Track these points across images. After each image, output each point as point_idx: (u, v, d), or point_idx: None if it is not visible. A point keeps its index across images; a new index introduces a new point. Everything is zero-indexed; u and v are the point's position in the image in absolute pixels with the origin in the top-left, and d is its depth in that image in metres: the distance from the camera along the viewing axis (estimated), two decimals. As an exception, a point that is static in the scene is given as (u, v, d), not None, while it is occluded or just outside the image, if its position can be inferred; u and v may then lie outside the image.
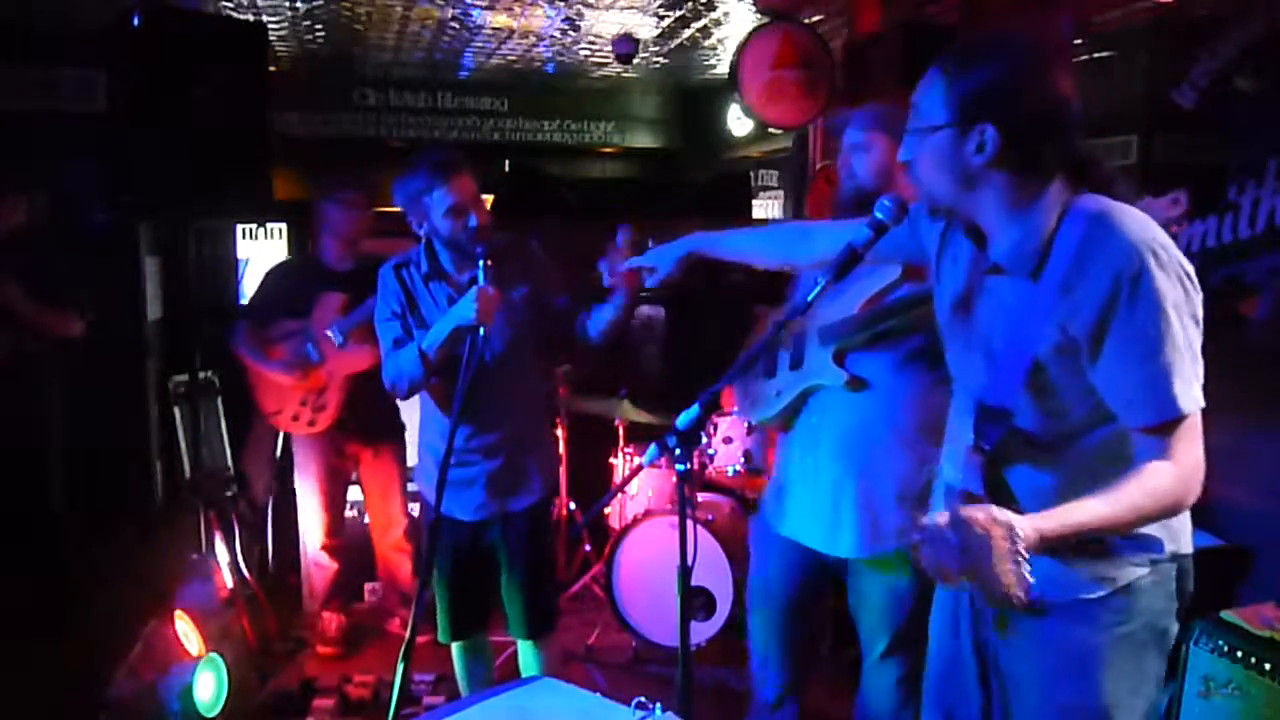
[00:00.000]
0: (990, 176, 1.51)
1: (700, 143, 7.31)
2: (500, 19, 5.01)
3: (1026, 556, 1.31)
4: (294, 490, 3.85)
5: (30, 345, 3.76)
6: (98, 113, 3.65)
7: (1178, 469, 1.44)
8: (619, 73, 6.39)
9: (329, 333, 3.52)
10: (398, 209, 2.63)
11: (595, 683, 3.56)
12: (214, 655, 3.03)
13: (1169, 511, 1.47)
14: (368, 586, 4.20)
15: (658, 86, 7.07)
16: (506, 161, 7.12)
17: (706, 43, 5.53)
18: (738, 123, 5.94)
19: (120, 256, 4.71)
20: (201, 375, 4.09)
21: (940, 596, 1.85)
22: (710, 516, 3.71)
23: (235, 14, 4.69)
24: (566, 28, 5.14)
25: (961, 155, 1.51)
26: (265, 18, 4.83)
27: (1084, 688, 1.58)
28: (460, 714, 1.83)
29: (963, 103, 1.48)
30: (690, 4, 4.70)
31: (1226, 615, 2.33)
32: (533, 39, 5.47)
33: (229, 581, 3.53)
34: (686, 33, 5.28)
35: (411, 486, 3.88)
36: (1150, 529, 1.54)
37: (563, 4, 4.71)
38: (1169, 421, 1.44)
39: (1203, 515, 1.64)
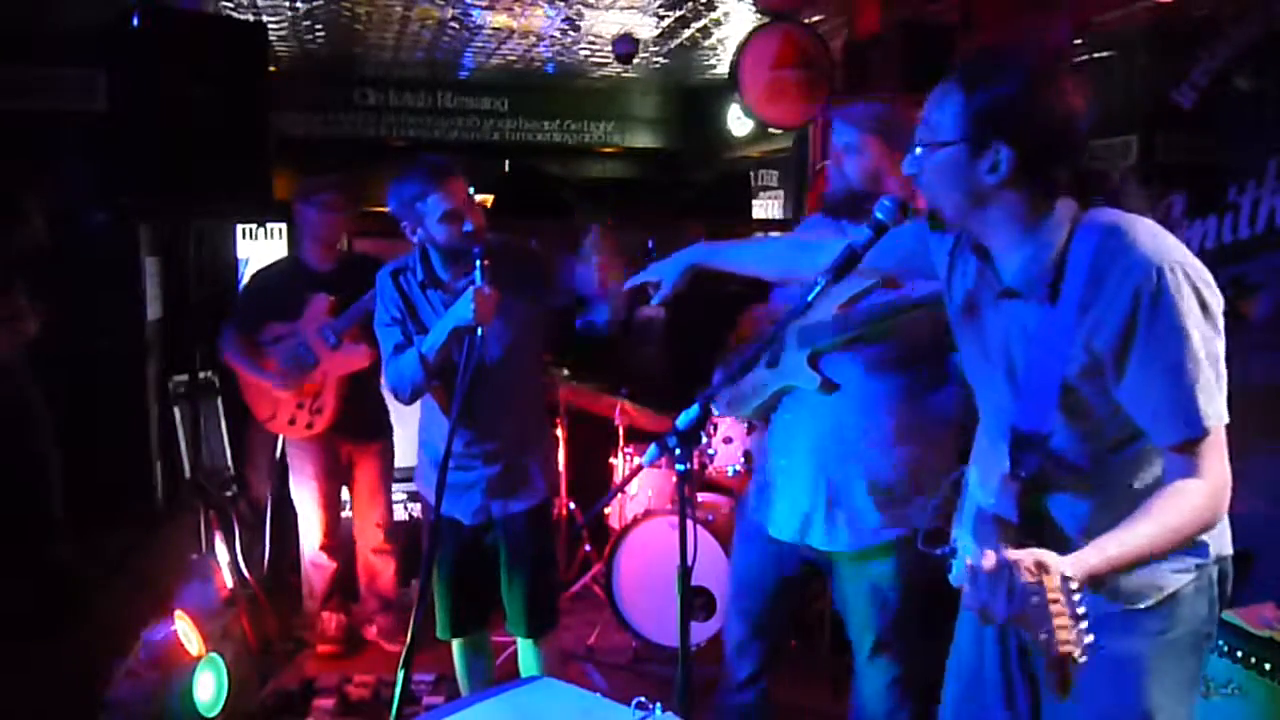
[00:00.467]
0: (1001, 195, 1.49)
1: (700, 143, 7.30)
2: (500, 19, 5.01)
3: (1084, 613, 1.22)
4: (291, 490, 3.86)
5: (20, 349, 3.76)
6: (98, 113, 3.64)
7: (1209, 485, 1.43)
8: (619, 73, 6.40)
9: (321, 335, 3.53)
10: (387, 209, 2.63)
11: (595, 683, 3.56)
12: (214, 655, 3.03)
13: (1204, 528, 1.45)
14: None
15: (658, 86, 7.07)
16: (506, 161, 7.12)
17: (706, 43, 5.53)
18: (738, 123, 5.94)
19: (120, 256, 4.70)
20: (201, 375, 4.09)
21: (964, 622, 1.84)
22: (710, 516, 3.71)
23: (235, 14, 4.69)
24: (566, 28, 5.13)
25: (973, 173, 1.48)
26: (265, 18, 4.83)
27: (1127, 695, 1.57)
28: (460, 714, 1.84)
29: (978, 120, 1.46)
30: (690, 4, 4.70)
31: (1226, 615, 2.33)
32: (533, 39, 5.47)
33: (229, 581, 3.53)
34: (686, 33, 5.29)
35: (411, 487, 3.88)
36: None
37: (563, 4, 4.71)
38: (1196, 439, 1.42)
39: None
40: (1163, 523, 1.40)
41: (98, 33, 3.22)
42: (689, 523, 1.72)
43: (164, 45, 3.06)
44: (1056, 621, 1.19)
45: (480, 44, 5.61)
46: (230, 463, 4.46)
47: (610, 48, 5.45)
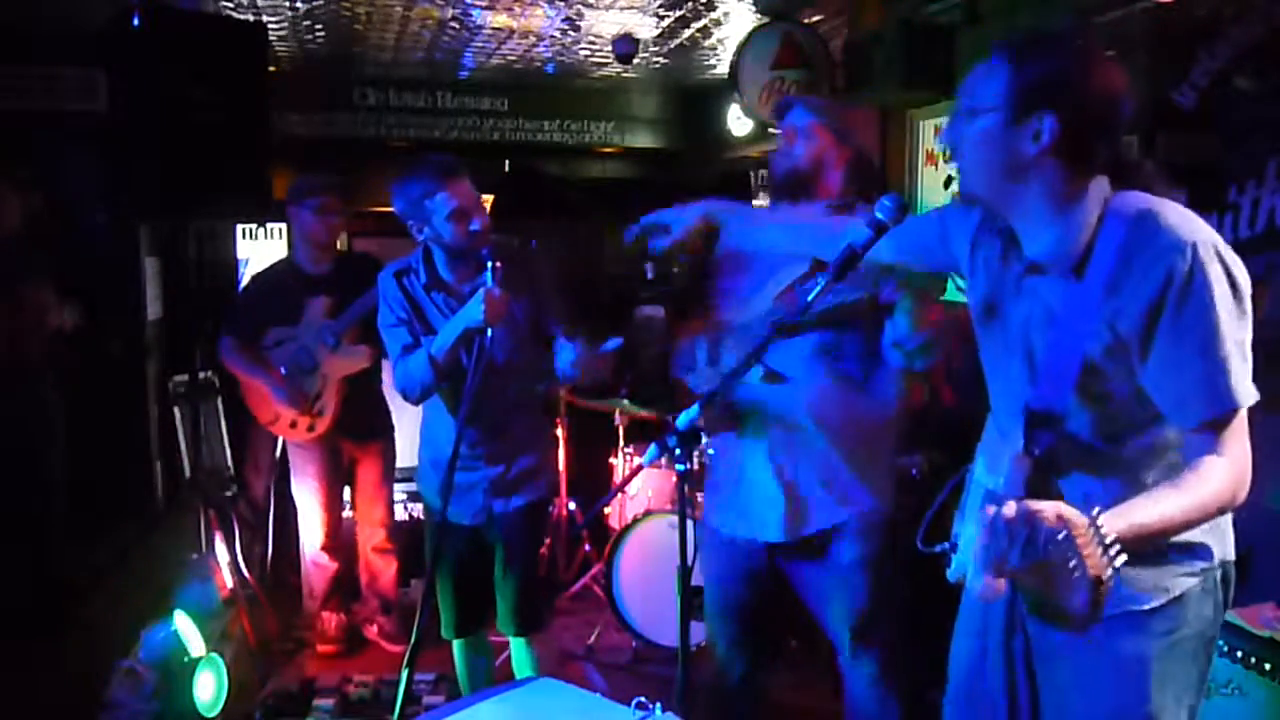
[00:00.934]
0: (1040, 168, 1.48)
1: (700, 143, 7.29)
2: (500, 19, 5.01)
3: (1113, 542, 1.21)
4: (292, 490, 3.85)
5: (38, 345, 3.78)
6: (98, 113, 3.64)
7: (1232, 466, 1.43)
8: (619, 73, 6.39)
9: (321, 337, 3.53)
10: (388, 209, 2.63)
11: (595, 683, 3.56)
12: (214, 655, 3.03)
13: (1225, 508, 1.45)
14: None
15: (658, 86, 7.06)
16: (506, 161, 7.11)
17: (706, 43, 5.52)
18: (738, 123, 5.93)
19: (120, 256, 4.71)
20: (201, 375, 4.09)
21: (965, 620, 1.83)
22: (710, 516, 3.71)
23: (235, 14, 4.68)
24: (566, 28, 5.13)
25: (1016, 142, 1.47)
26: (265, 18, 4.83)
27: (1131, 697, 1.56)
28: (460, 714, 1.84)
29: (1025, 90, 1.45)
30: (690, 4, 4.69)
31: (1227, 615, 2.33)
32: (533, 39, 5.46)
33: (229, 581, 3.53)
34: (686, 33, 5.28)
35: (412, 486, 3.88)
36: (1201, 535, 1.52)
37: (563, 4, 4.70)
38: (1220, 417, 1.42)
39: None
40: (1186, 496, 1.39)
41: (98, 33, 3.22)
42: (689, 523, 1.72)
43: (164, 45, 3.05)
44: (1085, 550, 1.20)
45: (480, 44, 5.61)
46: (230, 463, 4.46)
47: (610, 48, 5.45)
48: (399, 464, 3.92)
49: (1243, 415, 1.44)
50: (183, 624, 2.98)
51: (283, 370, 3.58)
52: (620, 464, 4.20)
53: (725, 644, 2.56)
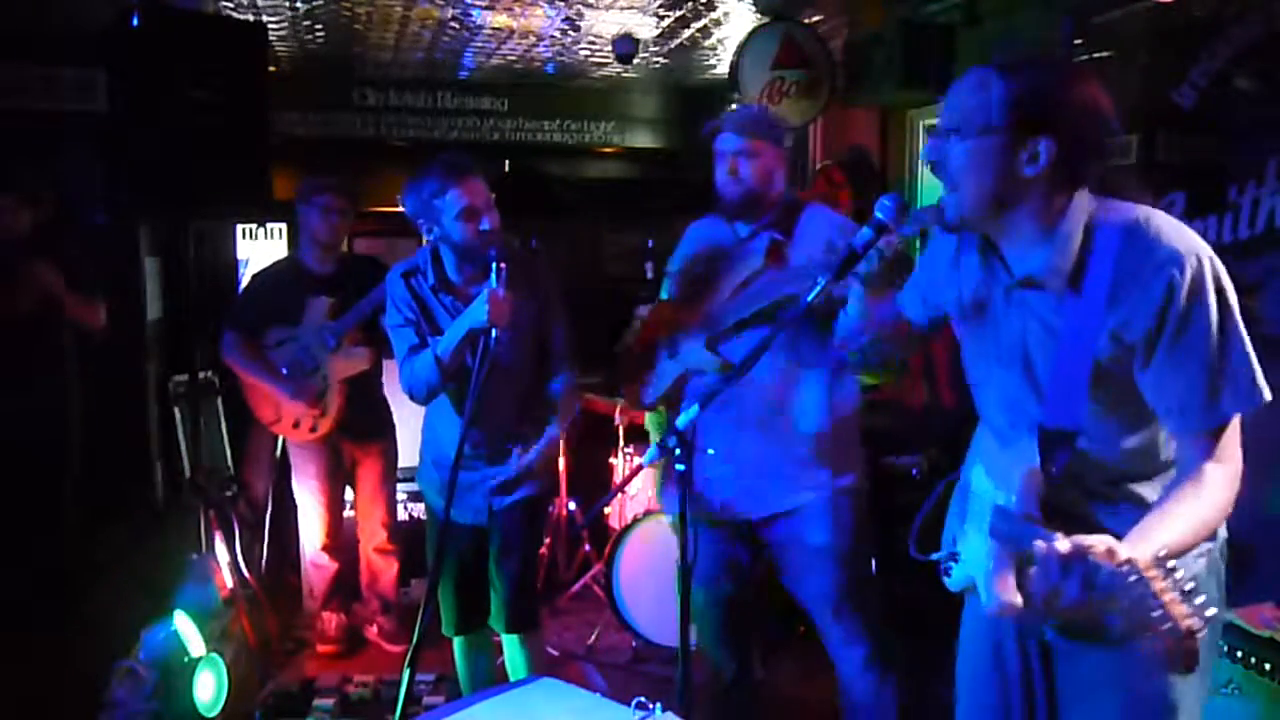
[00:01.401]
0: (1032, 188, 1.48)
1: (700, 143, 7.31)
2: (500, 19, 5.01)
3: (1190, 585, 1.19)
4: (293, 490, 3.85)
5: (62, 338, 3.80)
6: (98, 113, 3.64)
7: (1231, 472, 1.45)
8: (619, 73, 6.39)
9: (322, 338, 3.53)
10: (391, 209, 2.63)
11: (595, 683, 3.56)
12: (214, 655, 3.03)
13: (1224, 516, 1.48)
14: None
15: (658, 86, 7.06)
16: (506, 161, 7.11)
17: (706, 43, 5.52)
18: (738, 123, 5.93)
19: (120, 256, 4.70)
20: (201, 375, 4.09)
21: (971, 626, 1.82)
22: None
23: (235, 14, 4.68)
24: (566, 28, 5.13)
25: (1011, 164, 1.47)
26: (265, 18, 4.83)
27: (1154, 687, 1.57)
28: (460, 714, 1.84)
29: (1023, 110, 1.45)
30: (690, 4, 4.69)
31: (1227, 615, 2.33)
32: (533, 39, 5.46)
33: (229, 581, 3.53)
34: (686, 33, 5.28)
35: (413, 486, 3.88)
36: None
37: (563, 4, 4.71)
38: (1220, 426, 1.44)
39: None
40: (1197, 511, 1.42)
41: (98, 33, 3.22)
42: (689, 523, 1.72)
43: (164, 45, 3.05)
44: (1166, 598, 1.17)
45: (480, 44, 5.61)
46: (230, 463, 4.46)
47: (610, 48, 5.45)
48: (400, 464, 3.92)
49: (1236, 420, 1.46)
50: (183, 624, 2.98)
51: (284, 371, 3.58)
52: (620, 464, 4.20)
53: (713, 641, 2.60)
